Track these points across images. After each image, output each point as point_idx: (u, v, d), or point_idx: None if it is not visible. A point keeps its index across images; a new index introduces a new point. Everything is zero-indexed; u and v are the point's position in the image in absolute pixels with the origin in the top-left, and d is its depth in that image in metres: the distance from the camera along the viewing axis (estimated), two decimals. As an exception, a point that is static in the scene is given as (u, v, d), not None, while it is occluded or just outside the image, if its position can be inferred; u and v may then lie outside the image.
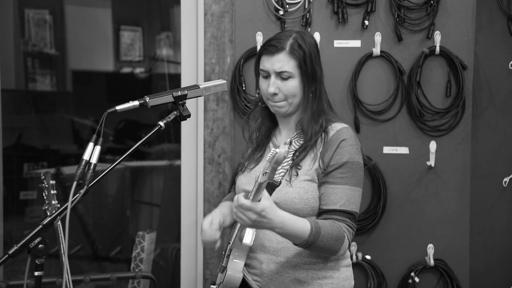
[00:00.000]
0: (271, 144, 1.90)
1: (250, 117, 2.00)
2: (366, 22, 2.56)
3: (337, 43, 2.58)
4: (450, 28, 2.55)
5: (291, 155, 1.77)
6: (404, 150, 2.60)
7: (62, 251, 1.91)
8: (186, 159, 2.75)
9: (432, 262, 2.58)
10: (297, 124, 1.84)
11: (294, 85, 1.77)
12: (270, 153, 1.40)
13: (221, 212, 1.92)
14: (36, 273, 1.51)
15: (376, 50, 2.55)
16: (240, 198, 1.52)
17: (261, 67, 1.80)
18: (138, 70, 4.73)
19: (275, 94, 1.77)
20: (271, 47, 1.77)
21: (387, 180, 2.59)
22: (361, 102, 2.58)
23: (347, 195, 1.72)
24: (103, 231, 4.00)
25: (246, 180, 1.87)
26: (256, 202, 1.51)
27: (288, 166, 1.77)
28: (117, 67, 4.72)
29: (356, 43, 2.58)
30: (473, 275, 2.63)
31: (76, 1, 4.57)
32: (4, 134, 3.02)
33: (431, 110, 2.56)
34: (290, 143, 1.44)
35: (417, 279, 2.57)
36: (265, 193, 1.53)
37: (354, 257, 2.59)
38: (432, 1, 2.52)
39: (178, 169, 2.88)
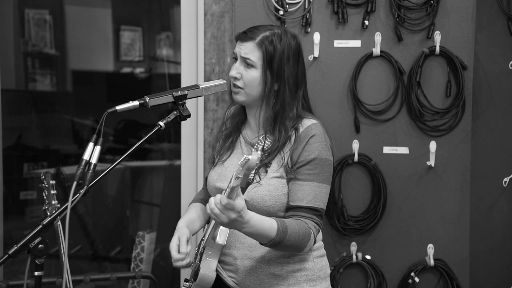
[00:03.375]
0: (241, 138, 1.89)
1: (228, 107, 2.02)
2: (366, 22, 2.55)
3: (337, 43, 2.58)
4: (450, 28, 2.55)
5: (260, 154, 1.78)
6: (404, 150, 2.60)
7: (62, 251, 1.91)
8: (186, 159, 2.75)
9: (432, 262, 2.58)
10: (265, 122, 1.83)
11: (254, 75, 1.77)
12: (243, 159, 1.40)
13: (188, 221, 1.90)
14: (36, 273, 1.51)
15: (376, 50, 2.55)
16: (222, 197, 1.52)
17: (234, 50, 1.84)
18: (138, 70, 4.73)
19: (236, 78, 1.79)
20: (244, 34, 1.80)
21: (387, 180, 2.59)
22: (361, 102, 2.58)
23: (314, 192, 1.72)
24: (103, 231, 4.00)
25: (217, 176, 1.86)
26: (238, 201, 1.52)
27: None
28: (117, 67, 4.72)
29: (356, 43, 2.58)
30: (473, 275, 2.63)
31: (76, 1, 4.57)
32: (4, 134, 3.02)
33: (431, 110, 2.56)
34: (263, 149, 1.44)
35: (417, 279, 2.57)
36: (239, 192, 1.54)
37: (354, 257, 2.59)
38: (432, 1, 2.52)
39: (178, 169, 2.88)
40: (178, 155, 3.04)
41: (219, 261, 1.85)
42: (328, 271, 1.89)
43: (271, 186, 1.75)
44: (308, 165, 1.73)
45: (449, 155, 2.58)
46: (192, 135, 2.72)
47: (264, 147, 1.80)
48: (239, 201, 1.52)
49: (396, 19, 2.55)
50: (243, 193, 1.74)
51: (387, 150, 2.60)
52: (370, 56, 2.56)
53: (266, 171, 1.76)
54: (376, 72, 2.58)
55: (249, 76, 1.78)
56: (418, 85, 2.55)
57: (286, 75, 1.78)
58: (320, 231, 1.80)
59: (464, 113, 2.56)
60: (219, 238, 1.74)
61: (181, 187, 2.78)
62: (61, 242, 1.95)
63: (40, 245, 1.47)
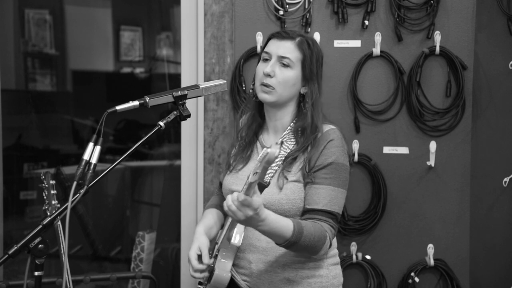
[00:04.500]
0: (258, 144, 1.89)
1: (240, 112, 2.00)
2: (366, 22, 2.56)
3: (337, 43, 2.58)
4: (450, 28, 2.55)
5: (283, 157, 1.77)
6: (404, 150, 2.60)
7: (62, 251, 1.91)
8: (186, 159, 2.75)
9: (432, 262, 2.58)
10: (288, 124, 1.83)
11: (290, 75, 1.77)
12: (262, 152, 1.40)
13: (206, 228, 1.88)
14: (36, 273, 1.51)
15: (376, 50, 2.55)
16: (240, 194, 1.52)
17: (266, 49, 1.81)
18: (138, 70, 4.73)
19: (269, 75, 1.76)
20: (284, 33, 1.79)
21: (387, 180, 2.59)
22: (361, 102, 2.58)
23: (330, 196, 1.72)
24: (103, 231, 4.00)
25: (233, 180, 1.86)
26: (255, 198, 1.51)
27: (277, 167, 1.77)
28: (117, 67, 4.72)
29: (356, 43, 2.58)
30: (473, 275, 2.63)
31: (76, 1, 4.57)
32: (4, 134, 3.02)
33: (431, 110, 2.56)
34: (282, 143, 1.44)
35: (417, 279, 2.57)
36: (257, 191, 1.54)
37: (354, 257, 2.59)
38: (432, 1, 2.52)
39: (178, 169, 2.88)
40: (178, 155, 3.04)
41: (233, 264, 1.83)
42: (342, 280, 1.88)
43: (288, 190, 1.74)
44: (325, 169, 1.73)
45: (449, 155, 2.58)
46: (192, 135, 2.72)
47: (286, 146, 1.79)
48: (256, 199, 1.51)
49: (396, 19, 2.55)
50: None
51: (387, 150, 2.60)
52: (370, 56, 2.56)
53: (286, 178, 1.76)
54: (376, 72, 2.58)
55: (284, 76, 1.76)
56: (418, 85, 2.55)
57: (319, 80, 1.80)
58: (335, 239, 1.79)
59: (464, 113, 2.56)
60: (234, 239, 1.73)
61: (181, 187, 2.77)
62: (61, 242, 1.95)
63: (40, 245, 1.47)
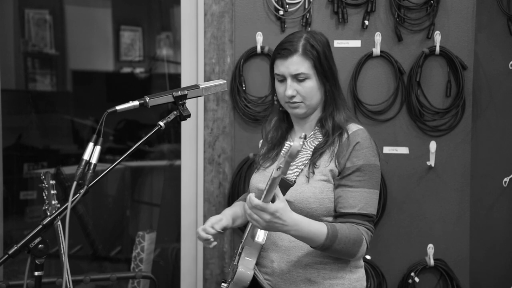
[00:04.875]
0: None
1: (266, 120, 2.01)
2: (366, 22, 2.56)
3: (337, 43, 2.58)
4: (450, 28, 2.55)
5: (309, 154, 1.77)
6: (404, 150, 2.60)
7: (62, 251, 1.91)
8: (186, 159, 2.75)
9: (432, 262, 2.58)
10: (315, 124, 1.83)
11: (311, 86, 1.76)
12: (285, 147, 1.39)
13: (233, 213, 1.92)
14: (36, 273, 1.51)
15: (376, 50, 2.55)
16: (253, 198, 1.52)
17: (276, 71, 1.79)
18: (138, 70, 4.73)
19: (293, 96, 1.76)
20: (284, 50, 1.76)
21: (387, 180, 2.59)
22: (361, 102, 2.58)
23: (366, 198, 1.71)
24: (103, 231, 4.00)
25: (260, 178, 1.86)
26: (270, 203, 1.51)
27: (303, 166, 1.76)
28: (117, 67, 4.72)
29: (356, 43, 2.58)
30: (473, 275, 2.63)
31: (76, 1, 4.57)
32: (4, 134, 3.02)
33: (431, 110, 2.56)
34: (305, 137, 1.43)
35: (417, 279, 2.57)
36: (279, 194, 1.53)
37: (354, 257, 2.60)
38: (432, 1, 2.52)
39: (178, 169, 2.88)
40: (178, 155, 3.04)
41: (257, 263, 1.83)
42: (364, 284, 1.85)
43: (316, 188, 1.73)
44: (357, 171, 1.72)
45: (449, 155, 2.58)
46: (192, 135, 2.72)
47: (311, 145, 1.79)
48: (276, 203, 1.51)
49: (396, 19, 2.55)
50: (283, 195, 1.74)
51: (387, 150, 2.60)
52: (370, 56, 2.56)
53: (314, 172, 1.75)
54: (376, 72, 2.58)
55: (306, 88, 1.76)
56: (418, 85, 2.55)
57: (334, 71, 1.80)
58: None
59: (464, 113, 2.56)
60: (258, 237, 1.74)
61: (181, 187, 2.77)
62: (61, 242, 1.95)
63: (40, 245, 1.47)
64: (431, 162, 2.56)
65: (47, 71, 4.44)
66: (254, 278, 1.82)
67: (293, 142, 1.37)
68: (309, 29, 2.56)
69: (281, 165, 1.41)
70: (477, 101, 2.59)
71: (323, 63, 1.76)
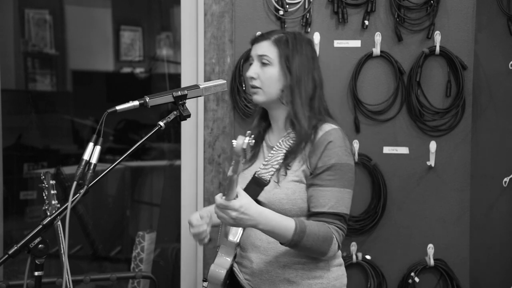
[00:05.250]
0: (264, 144, 1.90)
1: (253, 116, 2.02)
2: (366, 22, 2.56)
3: (337, 43, 2.58)
4: (450, 28, 2.55)
5: (283, 154, 1.78)
6: (404, 150, 2.60)
7: (62, 251, 1.91)
8: (186, 159, 2.75)
9: (432, 262, 2.58)
10: (285, 123, 1.84)
11: (271, 72, 1.79)
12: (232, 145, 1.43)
13: (210, 210, 1.93)
14: (36, 273, 1.51)
15: (376, 50, 2.55)
16: (216, 197, 1.56)
17: (250, 54, 1.86)
18: (138, 70, 4.73)
19: (252, 78, 1.81)
20: (261, 36, 1.84)
21: (387, 180, 2.59)
22: (361, 102, 2.58)
23: (336, 197, 1.71)
24: (103, 231, 4.00)
25: (239, 179, 1.87)
26: (233, 200, 1.54)
27: (278, 165, 1.77)
28: (117, 67, 4.72)
29: (356, 43, 2.58)
30: (473, 275, 2.63)
31: (76, 1, 4.57)
32: (4, 134, 3.02)
33: (431, 110, 2.56)
34: (250, 135, 1.44)
35: (417, 279, 2.57)
36: (240, 190, 1.56)
37: (354, 257, 2.59)
38: (432, 1, 2.52)
39: (178, 169, 2.88)
40: (178, 155, 3.04)
41: (238, 263, 1.85)
42: (345, 282, 1.86)
43: (289, 189, 1.74)
44: (329, 170, 1.72)
45: (449, 155, 2.58)
46: (192, 135, 2.72)
47: (286, 145, 1.80)
48: (240, 199, 1.54)
49: (396, 19, 2.55)
50: (257, 195, 1.75)
51: (387, 150, 2.60)
52: (370, 56, 2.56)
53: (286, 174, 1.76)
54: (376, 72, 2.58)
55: (266, 74, 1.79)
56: (418, 85, 2.55)
57: (302, 72, 1.79)
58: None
59: (464, 113, 2.56)
60: (230, 235, 1.75)
61: (181, 187, 2.77)
62: (61, 242, 1.95)
63: (40, 245, 1.47)
64: (431, 162, 2.56)
65: (47, 71, 4.44)
66: (235, 278, 1.85)
67: (237, 140, 1.40)
68: (309, 29, 2.56)
69: (232, 164, 1.44)
70: (477, 101, 2.59)
71: (293, 59, 1.78)
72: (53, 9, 4.40)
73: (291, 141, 1.79)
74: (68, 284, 1.94)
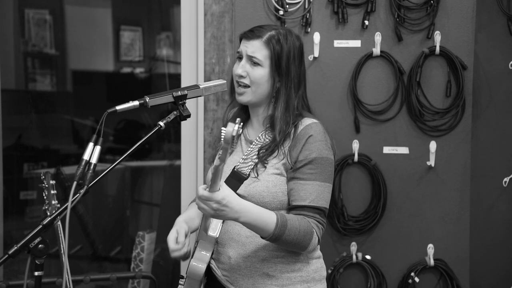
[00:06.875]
0: (242, 137, 1.90)
1: (226, 109, 2.01)
2: (366, 22, 2.55)
3: (337, 43, 2.58)
4: (450, 28, 2.55)
5: (256, 150, 1.79)
6: (404, 150, 2.60)
7: (62, 251, 1.91)
8: (186, 159, 2.75)
9: (432, 262, 2.58)
10: (264, 119, 1.85)
11: (261, 73, 1.78)
12: (221, 134, 1.41)
13: (187, 218, 1.93)
14: (36, 273, 1.51)
15: (376, 50, 2.55)
16: (198, 189, 1.55)
17: (238, 49, 1.85)
18: (138, 70, 4.74)
19: (241, 76, 1.80)
20: (251, 32, 1.81)
21: (387, 180, 2.59)
22: (361, 102, 2.58)
23: (317, 191, 1.72)
24: (103, 231, 4.00)
25: None
26: (215, 192, 1.53)
27: (257, 160, 1.78)
28: (117, 67, 4.72)
29: (356, 43, 2.58)
30: (473, 275, 2.63)
31: (76, 1, 4.57)
32: (4, 134, 3.02)
33: (431, 110, 2.56)
34: (240, 122, 1.44)
35: (417, 279, 2.57)
36: (223, 184, 1.56)
37: (354, 257, 2.59)
38: (432, 1, 2.52)
39: (178, 169, 2.88)
40: (178, 155, 3.04)
41: (215, 259, 1.85)
42: (324, 274, 1.87)
43: (269, 182, 1.75)
44: (310, 164, 1.73)
45: (449, 155, 2.58)
46: (192, 135, 2.72)
47: (264, 139, 1.80)
48: (222, 191, 1.54)
49: (396, 19, 2.55)
50: (236, 189, 1.75)
51: (387, 150, 2.60)
52: (370, 56, 2.56)
53: (265, 167, 1.76)
54: (376, 72, 2.58)
55: (256, 74, 1.79)
56: (418, 85, 2.56)
57: (292, 74, 1.80)
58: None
59: (464, 113, 2.56)
60: (210, 230, 1.74)
61: (181, 187, 2.78)
62: (61, 242, 1.95)
63: (40, 245, 1.47)
64: (431, 162, 2.56)
65: (47, 71, 4.45)
66: (213, 274, 1.84)
67: (227, 128, 1.39)
68: (309, 29, 2.56)
69: (219, 153, 1.43)
70: (477, 101, 2.59)
71: (282, 61, 1.78)
72: (53, 9, 4.41)
73: (271, 135, 1.80)
74: (68, 284, 1.94)
